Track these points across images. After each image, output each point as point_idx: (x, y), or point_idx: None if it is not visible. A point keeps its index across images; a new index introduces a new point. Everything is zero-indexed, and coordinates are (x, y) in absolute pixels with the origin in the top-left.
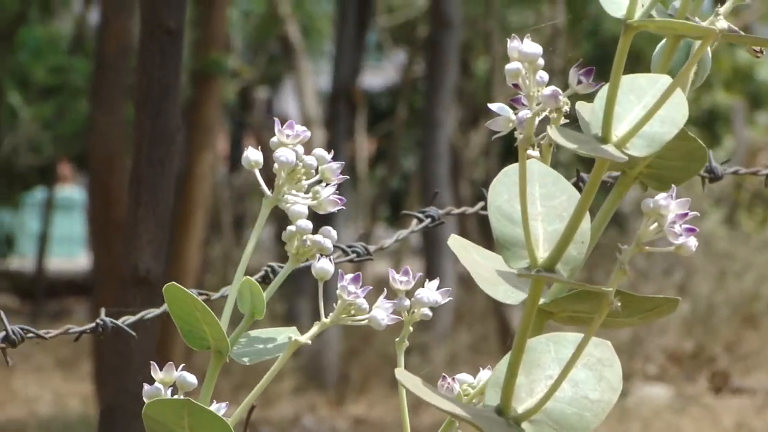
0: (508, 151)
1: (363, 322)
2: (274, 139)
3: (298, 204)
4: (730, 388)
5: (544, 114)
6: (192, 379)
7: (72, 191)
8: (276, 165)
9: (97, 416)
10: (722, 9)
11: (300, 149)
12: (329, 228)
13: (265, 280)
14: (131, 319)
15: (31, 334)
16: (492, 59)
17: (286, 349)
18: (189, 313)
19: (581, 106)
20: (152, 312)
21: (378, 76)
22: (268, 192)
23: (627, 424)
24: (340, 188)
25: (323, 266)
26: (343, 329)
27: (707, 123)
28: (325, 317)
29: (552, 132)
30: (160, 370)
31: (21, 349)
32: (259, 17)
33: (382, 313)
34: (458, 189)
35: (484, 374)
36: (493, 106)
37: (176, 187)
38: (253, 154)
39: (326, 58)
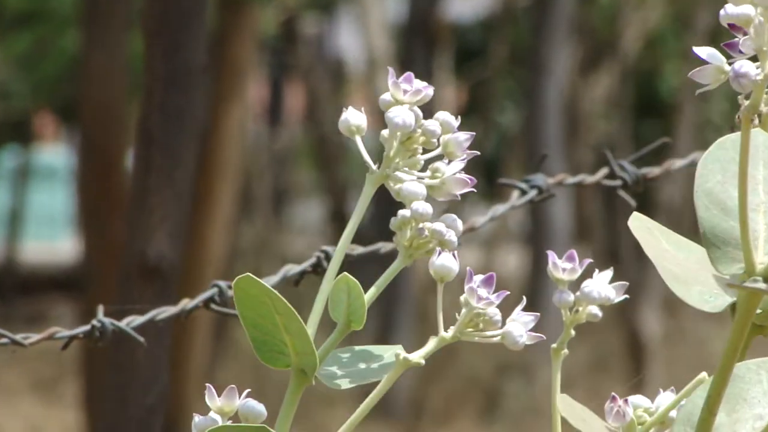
0: (641, 103)
1: (494, 339)
2: (385, 96)
3: (413, 182)
4: None
5: None
6: (261, 408)
7: (54, 153)
8: (385, 130)
9: None
10: None
11: (418, 111)
12: (453, 216)
13: (316, 270)
14: (139, 320)
15: (5, 339)
16: None
17: (391, 370)
18: (265, 317)
19: None
20: (166, 311)
21: (468, 3)
22: (373, 166)
23: None
24: None
25: (444, 263)
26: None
27: None
28: (445, 331)
29: None
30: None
31: None
32: None
33: (519, 327)
34: (575, 153)
35: (665, 397)
36: (701, 51)
37: (197, 149)
38: (354, 117)
39: None
